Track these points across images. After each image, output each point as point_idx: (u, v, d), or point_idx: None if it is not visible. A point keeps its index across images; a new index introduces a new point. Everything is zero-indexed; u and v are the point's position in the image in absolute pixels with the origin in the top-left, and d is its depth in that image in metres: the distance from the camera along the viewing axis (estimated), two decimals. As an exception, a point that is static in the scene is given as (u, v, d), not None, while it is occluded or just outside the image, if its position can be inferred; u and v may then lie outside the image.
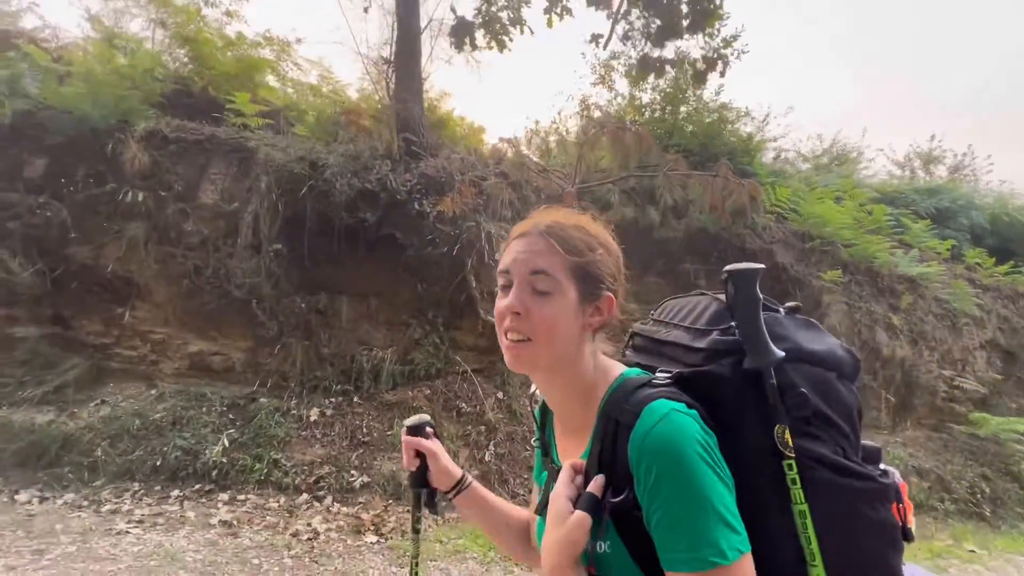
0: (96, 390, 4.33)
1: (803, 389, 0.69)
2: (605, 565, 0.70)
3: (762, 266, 0.75)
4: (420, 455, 1.01)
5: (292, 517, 3.56)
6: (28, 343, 4.30)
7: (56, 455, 3.73)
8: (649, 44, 6.40)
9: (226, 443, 3.86)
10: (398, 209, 4.81)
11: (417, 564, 1.06)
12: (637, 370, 0.79)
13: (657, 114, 7.84)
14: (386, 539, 3.42)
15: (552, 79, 11.83)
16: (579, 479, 0.73)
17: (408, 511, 3.32)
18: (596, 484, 0.70)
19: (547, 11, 5.96)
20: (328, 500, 3.80)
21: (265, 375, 4.62)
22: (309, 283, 4.88)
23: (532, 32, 6.21)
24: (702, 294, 0.85)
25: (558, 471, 0.77)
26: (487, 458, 4.37)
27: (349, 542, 3.35)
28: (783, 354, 0.69)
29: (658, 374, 0.75)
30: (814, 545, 0.65)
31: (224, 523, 3.37)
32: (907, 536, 0.72)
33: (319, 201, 4.75)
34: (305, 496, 3.81)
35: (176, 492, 3.65)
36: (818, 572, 0.65)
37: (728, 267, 0.76)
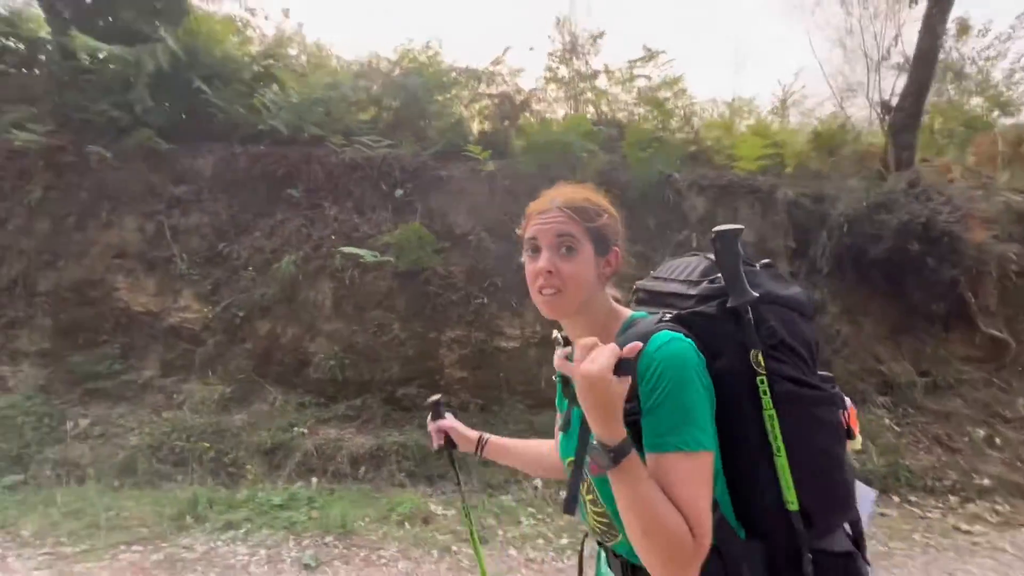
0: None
1: (772, 323, 0.88)
2: None
3: (741, 227, 0.93)
4: (444, 433, 1.30)
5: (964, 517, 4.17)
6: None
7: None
8: None
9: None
10: (920, 236, 5.30)
11: (468, 512, 1.35)
12: (643, 313, 0.98)
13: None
14: None
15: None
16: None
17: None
18: (629, 348, 0.80)
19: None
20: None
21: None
22: (827, 305, 5.48)
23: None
24: (693, 254, 1.04)
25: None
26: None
27: None
28: (757, 295, 0.88)
29: (663, 314, 0.93)
30: (779, 440, 0.83)
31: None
32: (850, 435, 0.96)
33: (850, 233, 5.31)
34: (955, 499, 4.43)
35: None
36: (782, 460, 0.84)
37: (716, 228, 0.92)
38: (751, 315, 0.87)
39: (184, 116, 5.41)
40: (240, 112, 5.32)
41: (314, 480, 4.06)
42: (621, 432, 0.79)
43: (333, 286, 4.94)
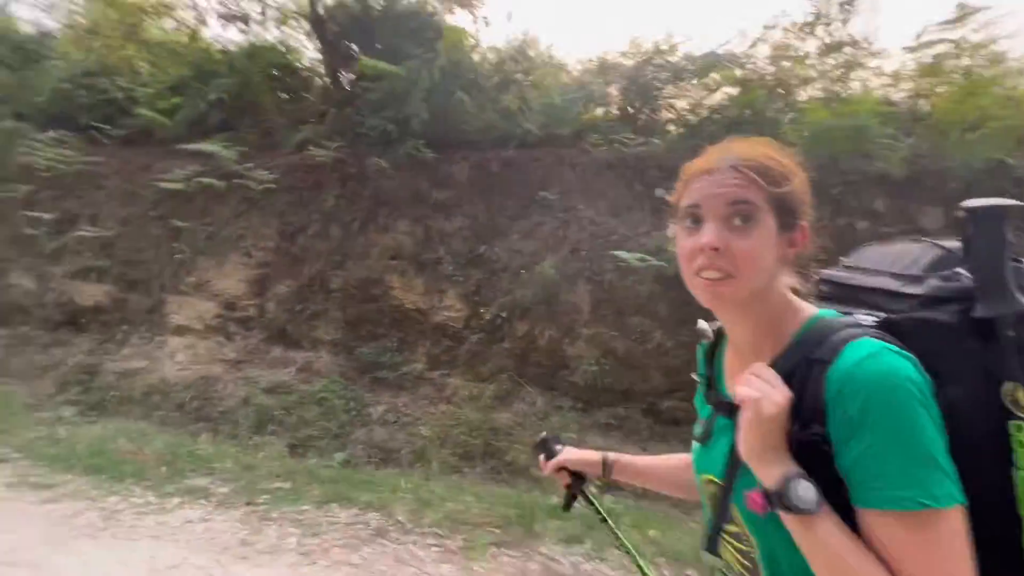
0: None
1: None
2: None
3: (1013, 202, 0.66)
4: (564, 469, 1.14)
5: None
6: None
7: None
8: None
9: None
10: None
11: (624, 545, 1.10)
12: (833, 311, 0.75)
13: None
14: None
15: None
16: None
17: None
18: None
19: None
20: None
21: None
22: None
23: None
24: (913, 240, 0.80)
25: (726, 403, 0.78)
26: None
27: None
28: None
29: (861, 317, 0.71)
30: None
31: None
32: None
33: None
34: None
35: None
36: None
37: (967, 202, 0.68)
38: (1013, 332, 0.64)
39: (441, 125, 5.75)
40: (493, 118, 5.49)
41: (592, 491, 3.97)
42: (786, 466, 0.65)
43: (591, 289, 4.84)
